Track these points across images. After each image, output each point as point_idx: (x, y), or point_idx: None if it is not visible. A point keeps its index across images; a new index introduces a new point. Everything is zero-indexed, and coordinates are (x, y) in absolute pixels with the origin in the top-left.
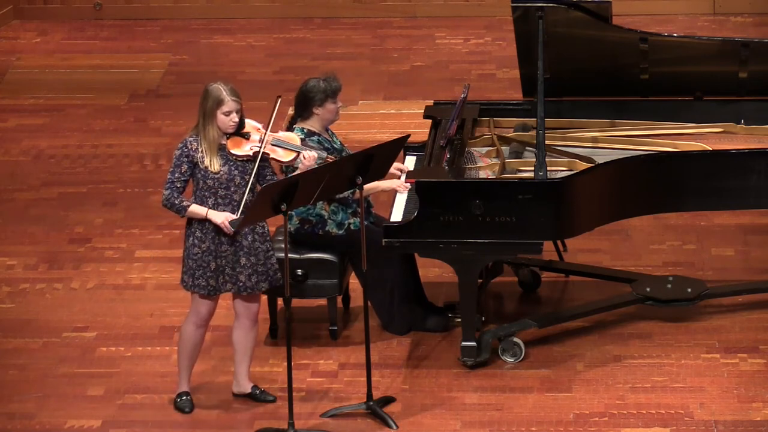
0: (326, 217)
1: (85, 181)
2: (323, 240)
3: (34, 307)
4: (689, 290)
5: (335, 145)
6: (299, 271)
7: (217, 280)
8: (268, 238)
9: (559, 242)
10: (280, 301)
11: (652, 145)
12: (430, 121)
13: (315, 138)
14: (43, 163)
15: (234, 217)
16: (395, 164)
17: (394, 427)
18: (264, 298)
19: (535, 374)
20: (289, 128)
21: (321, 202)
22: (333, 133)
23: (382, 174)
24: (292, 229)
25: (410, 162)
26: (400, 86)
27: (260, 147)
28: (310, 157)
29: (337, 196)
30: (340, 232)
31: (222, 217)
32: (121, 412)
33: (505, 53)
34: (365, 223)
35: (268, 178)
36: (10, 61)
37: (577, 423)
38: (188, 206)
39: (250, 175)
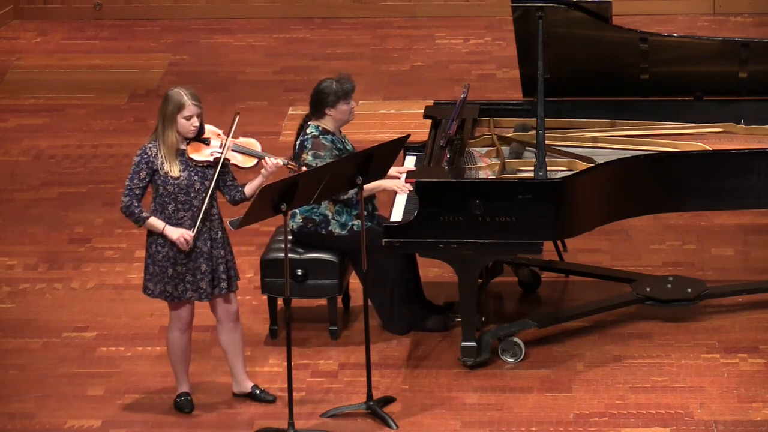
0: (330, 218)
1: (85, 181)
2: (325, 240)
3: (34, 307)
4: (689, 290)
5: (348, 146)
6: (299, 271)
7: (176, 287)
8: (224, 244)
9: (559, 242)
10: (280, 301)
11: (652, 145)
12: (430, 121)
13: (329, 137)
14: (43, 163)
15: (191, 233)
16: (395, 168)
17: (394, 427)
18: (264, 298)
19: (535, 374)
20: (303, 126)
21: (325, 203)
22: (345, 136)
23: (382, 174)
24: (294, 227)
25: (410, 162)
26: (400, 86)
27: (221, 153)
28: (273, 164)
29: (342, 198)
30: (343, 232)
31: (177, 234)
32: (121, 412)
33: (505, 53)
34: (369, 224)
35: (228, 183)
36: (10, 61)
37: (577, 423)
38: (147, 218)
39: (211, 181)
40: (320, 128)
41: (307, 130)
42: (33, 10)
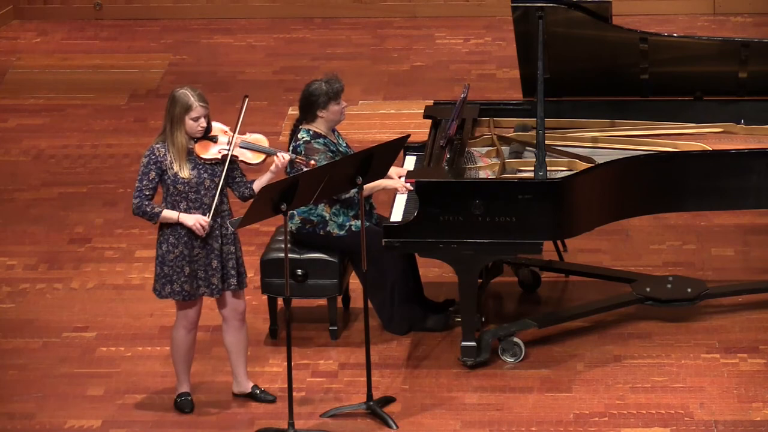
0: (327, 218)
1: (85, 181)
2: (324, 240)
3: (34, 307)
4: (689, 290)
5: (341, 148)
6: (299, 271)
7: (192, 285)
8: (234, 240)
9: (559, 242)
10: (280, 301)
11: (652, 145)
12: (430, 121)
13: (321, 140)
14: (43, 163)
15: (206, 219)
16: (395, 169)
17: (394, 427)
18: (264, 298)
19: (535, 374)
20: (295, 130)
21: (322, 204)
22: (339, 135)
23: (382, 174)
24: (293, 228)
25: (410, 162)
26: (400, 86)
27: (228, 150)
28: (282, 160)
29: (342, 197)
30: (342, 233)
31: (193, 220)
32: (121, 412)
33: (505, 53)
34: (367, 223)
35: (237, 180)
36: (10, 61)
37: (577, 423)
38: (160, 212)
39: (220, 178)
40: (311, 132)
41: (299, 135)
42: (33, 10)
